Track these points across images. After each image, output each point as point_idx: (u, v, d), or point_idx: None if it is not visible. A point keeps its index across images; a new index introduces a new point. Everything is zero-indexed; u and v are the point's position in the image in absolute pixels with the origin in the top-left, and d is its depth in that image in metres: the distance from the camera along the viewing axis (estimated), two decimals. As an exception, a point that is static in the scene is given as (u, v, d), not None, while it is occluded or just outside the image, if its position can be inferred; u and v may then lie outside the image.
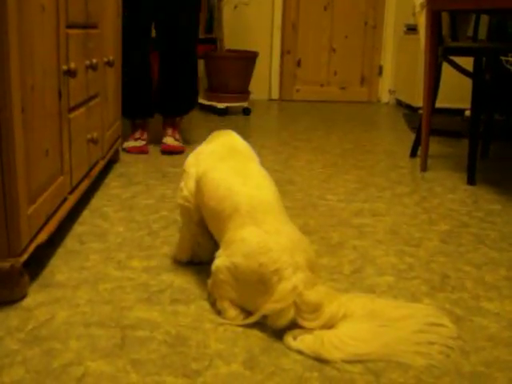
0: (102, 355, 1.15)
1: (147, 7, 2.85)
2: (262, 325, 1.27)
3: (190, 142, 3.17)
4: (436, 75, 2.87)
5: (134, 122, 3.05)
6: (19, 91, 1.27)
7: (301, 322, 1.20)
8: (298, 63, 5.40)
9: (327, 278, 1.53)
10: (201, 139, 3.21)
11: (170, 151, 2.91)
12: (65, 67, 1.63)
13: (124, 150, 2.91)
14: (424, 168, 2.77)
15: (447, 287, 1.51)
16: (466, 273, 1.61)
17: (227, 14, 4.72)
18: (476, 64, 2.65)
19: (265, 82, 5.31)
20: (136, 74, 2.93)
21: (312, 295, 1.20)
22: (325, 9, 5.35)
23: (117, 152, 2.68)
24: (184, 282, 1.48)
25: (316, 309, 1.20)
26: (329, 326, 1.20)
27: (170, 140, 2.97)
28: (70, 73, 1.66)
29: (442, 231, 1.94)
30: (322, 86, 5.45)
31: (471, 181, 2.55)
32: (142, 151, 2.94)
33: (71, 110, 1.74)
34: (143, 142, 3.00)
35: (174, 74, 3.00)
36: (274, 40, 5.27)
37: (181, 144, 2.98)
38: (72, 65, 1.67)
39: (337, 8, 5.35)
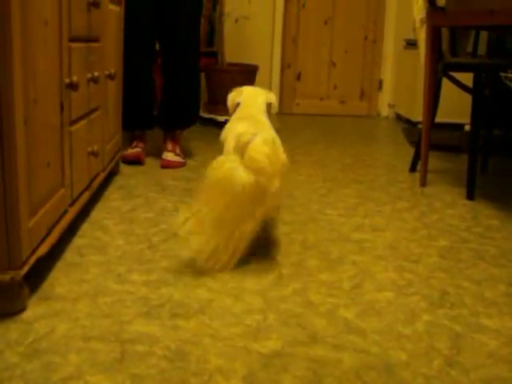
0: (101, 370, 1.14)
1: (147, 19, 2.86)
2: (261, 340, 1.27)
3: (190, 154, 3.17)
4: (436, 90, 2.88)
5: (133, 133, 3.06)
6: (22, 104, 1.27)
7: None
8: (298, 77, 5.42)
9: (326, 294, 1.53)
10: (200, 152, 3.21)
11: (168, 166, 2.92)
12: (67, 80, 1.64)
13: (121, 158, 2.91)
14: (423, 183, 2.78)
15: (446, 303, 1.51)
16: (465, 289, 1.61)
17: (228, 28, 4.74)
18: (476, 80, 2.66)
19: (265, 95, 5.32)
20: (137, 86, 2.94)
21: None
22: (325, 23, 5.37)
23: (117, 164, 2.69)
24: (184, 296, 1.48)
25: None
26: None
27: (170, 155, 2.97)
28: (72, 86, 1.67)
29: (442, 247, 1.94)
30: (321, 99, 5.46)
31: (470, 196, 2.56)
32: (136, 157, 2.94)
33: (72, 122, 1.75)
34: (139, 149, 2.99)
35: (176, 87, 3.01)
36: (275, 54, 5.29)
37: (181, 159, 2.98)
38: (74, 78, 1.68)
39: (337, 22, 5.38)
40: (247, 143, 1.63)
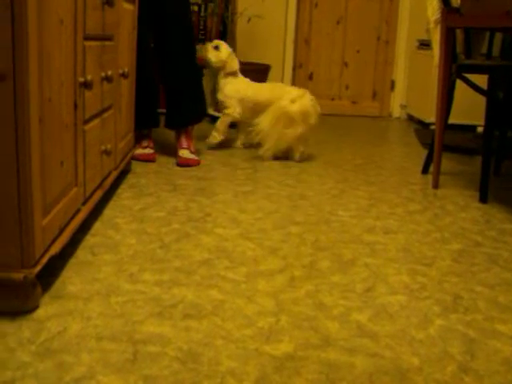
0: (113, 370, 1.14)
1: (144, 18, 2.86)
2: (273, 342, 1.27)
3: (199, 152, 3.17)
4: (449, 92, 2.87)
5: (141, 132, 3.06)
6: (37, 103, 1.27)
7: None
8: (310, 77, 5.41)
9: (339, 296, 1.52)
10: (210, 151, 3.20)
11: (186, 164, 2.91)
12: (81, 79, 1.64)
13: (132, 157, 2.91)
14: (436, 185, 2.76)
15: (460, 308, 1.50)
16: (478, 293, 1.60)
17: (241, 27, 4.73)
18: (490, 81, 2.64)
19: (276, 94, 5.31)
20: (140, 85, 2.90)
21: None
22: (337, 23, 5.36)
23: (129, 163, 2.69)
24: (196, 297, 1.48)
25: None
26: None
27: (186, 153, 2.97)
28: (86, 85, 1.67)
29: (455, 250, 1.93)
30: (333, 99, 5.45)
31: (483, 199, 2.54)
32: (149, 159, 2.96)
33: (86, 121, 1.75)
34: (151, 151, 3.02)
35: (177, 84, 3.00)
36: (287, 53, 5.28)
37: (196, 157, 2.98)
38: (88, 77, 1.68)
39: (349, 22, 5.36)
40: (302, 96, 3.20)
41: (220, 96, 3.35)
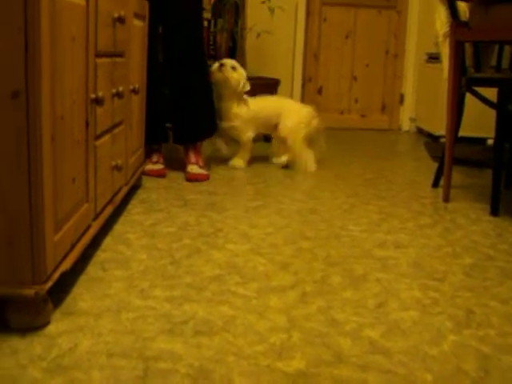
0: (125, 387, 1.14)
1: (153, 34, 2.87)
2: (285, 359, 1.26)
3: (209, 167, 3.17)
4: (459, 105, 2.86)
5: (151, 147, 3.06)
6: (49, 121, 1.28)
7: None
8: (319, 91, 5.42)
9: (351, 312, 1.52)
10: (221, 164, 3.21)
11: (195, 179, 2.92)
12: (93, 96, 1.65)
13: (143, 172, 2.91)
14: (447, 199, 2.75)
15: (473, 323, 1.49)
16: (491, 308, 1.59)
17: (250, 42, 4.75)
18: (499, 94, 2.64)
19: (286, 108, 5.32)
20: (150, 100, 2.90)
21: None
22: (346, 37, 5.37)
23: (139, 178, 2.70)
24: (207, 313, 1.47)
25: None
26: None
27: (195, 168, 2.97)
28: (98, 101, 1.68)
29: (466, 264, 1.92)
30: (342, 113, 5.45)
31: (495, 212, 2.53)
32: (160, 175, 2.96)
33: (97, 137, 1.76)
34: (161, 166, 3.02)
35: (188, 99, 3.00)
36: (296, 68, 5.29)
37: (205, 172, 2.98)
38: (100, 93, 1.69)
39: (358, 37, 5.38)
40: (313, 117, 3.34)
41: (237, 122, 3.31)
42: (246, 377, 1.20)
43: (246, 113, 3.32)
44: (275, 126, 3.34)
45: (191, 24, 2.97)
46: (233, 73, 3.27)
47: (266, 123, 3.35)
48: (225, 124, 3.32)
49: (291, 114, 3.30)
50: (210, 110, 3.10)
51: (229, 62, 3.32)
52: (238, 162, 3.34)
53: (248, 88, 3.32)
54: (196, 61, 3.00)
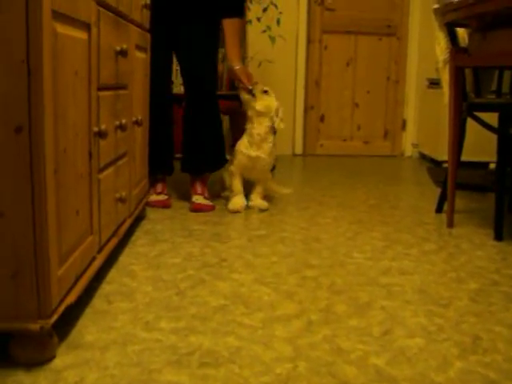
0: (131, 421, 1.13)
1: (163, 66, 2.91)
2: (291, 389, 1.25)
3: (214, 198, 3.18)
4: (460, 130, 2.88)
5: (155, 177, 3.08)
6: (53, 154, 1.29)
7: None
8: (322, 118, 5.45)
9: (356, 340, 1.51)
10: (221, 194, 3.19)
11: (200, 210, 2.93)
12: (96, 129, 1.67)
13: (147, 204, 2.92)
14: (451, 224, 2.75)
15: (479, 349, 1.48)
16: (497, 334, 1.58)
17: (252, 71, 4.79)
18: (500, 119, 2.65)
19: (289, 137, 5.35)
20: (157, 131, 2.92)
21: None
22: (347, 64, 5.42)
23: (143, 209, 2.71)
24: (213, 344, 1.47)
25: None
26: None
27: (200, 199, 2.98)
28: (101, 134, 1.70)
29: (472, 290, 1.91)
30: (345, 140, 5.48)
31: (499, 236, 2.53)
32: (165, 205, 2.97)
33: (101, 170, 1.77)
34: (166, 197, 3.04)
35: (198, 132, 3.02)
36: (298, 96, 5.34)
37: (210, 203, 2.99)
38: (102, 126, 1.71)
39: (359, 64, 5.43)
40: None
41: (272, 157, 3.06)
42: (252, 408, 1.19)
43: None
44: None
45: (204, 52, 2.98)
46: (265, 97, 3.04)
47: None
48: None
49: None
50: (218, 142, 3.11)
51: (260, 87, 3.07)
52: (264, 206, 3.03)
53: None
54: (207, 93, 3.01)
